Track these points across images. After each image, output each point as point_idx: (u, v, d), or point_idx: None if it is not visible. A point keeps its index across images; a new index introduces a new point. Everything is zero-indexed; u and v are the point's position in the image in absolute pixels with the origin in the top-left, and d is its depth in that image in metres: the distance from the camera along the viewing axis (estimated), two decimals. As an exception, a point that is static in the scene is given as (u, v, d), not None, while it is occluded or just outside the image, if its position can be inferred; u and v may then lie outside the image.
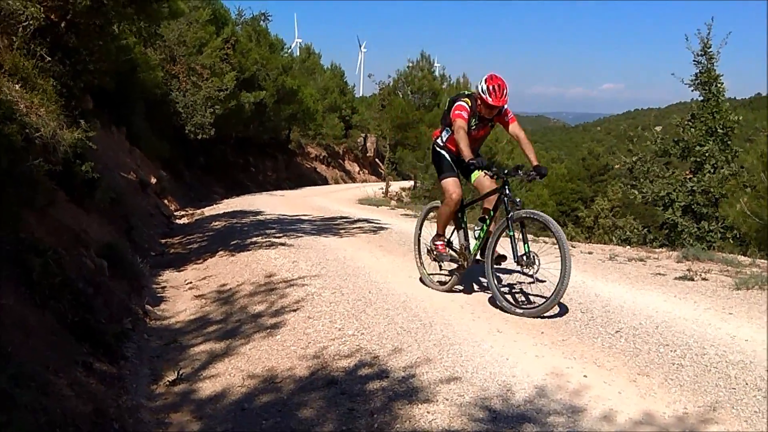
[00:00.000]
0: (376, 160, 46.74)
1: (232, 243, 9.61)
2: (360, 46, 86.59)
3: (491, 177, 5.90)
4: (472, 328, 4.99)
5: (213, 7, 24.16)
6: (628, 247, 10.31)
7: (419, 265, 6.72)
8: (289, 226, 11.52)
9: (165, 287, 7.44)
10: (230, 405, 3.99)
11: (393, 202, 21.71)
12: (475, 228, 6.12)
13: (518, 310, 5.32)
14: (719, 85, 13.29)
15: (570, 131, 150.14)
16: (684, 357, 4.27)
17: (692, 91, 13.72)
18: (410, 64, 29.94)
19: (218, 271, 7.86)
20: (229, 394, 4.16)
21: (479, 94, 5.70)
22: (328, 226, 11.58)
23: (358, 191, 23.96)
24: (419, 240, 6.84)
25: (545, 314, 5.21)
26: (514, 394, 3.73)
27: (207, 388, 4.32)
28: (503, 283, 5.87)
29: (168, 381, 4.45)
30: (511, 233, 5.50)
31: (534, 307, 5.31)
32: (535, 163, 5.82)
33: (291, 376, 4.30)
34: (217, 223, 13.18)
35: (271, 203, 17.93)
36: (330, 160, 42.65)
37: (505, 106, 5.86)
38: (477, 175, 6.03)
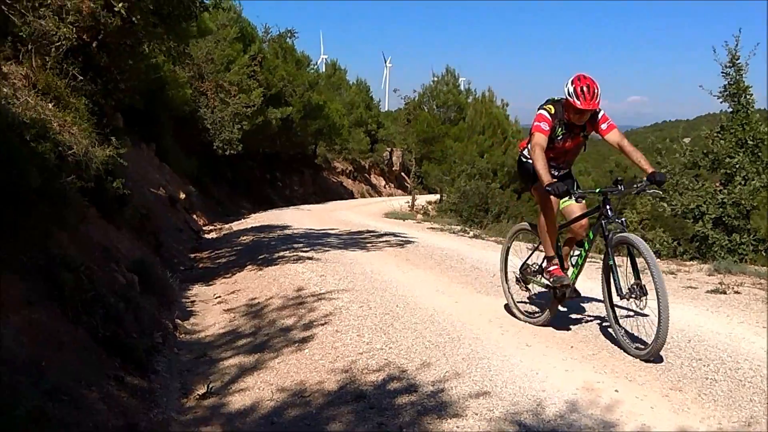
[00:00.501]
0: (402, 174, 46.80)
1: (260, 257, 9.68)
2: (385, 62, 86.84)
3: (577, 200, 5.13)
4: (501, 342, 4.96)
5: (240, 25, 24.51)
6: (658, 260, 10.15)
7: (507, 292, 5.92)
8: (316, 240, 11.58)
9: (194, 301, 7.51)
10: (260, 419, 4.00)
11: (419, 216, 21.72)
12: (572, 254, 5.43)
13: (633, 351, 4.57)
14: (748, 96, 13.10)
15: (597, 144, 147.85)
16: (717, 372, 4.20)
17: (721, 102, 13.55)
18: (435, 79, 30.08)
19: (246, 285, 7.92)
20: (259, 407, 4.17)
21: (566, 98, 4.86)
22: (355, 240, 11.61)
23: (385, 205, 24.03)
24: (506, 265, 6.03)
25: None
26: (544, 408, 3.69)
27: (236, 401, 4.34)
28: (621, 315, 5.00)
29: (198, 395, 4.48)
30: (611, 261, 4.83)
31: (644, 350, 4.48)
32: (649, 170, 4.90)
33: (320, 389, 4.30)
34: (244, 237, 13.28)
35: (298, 217, 18.05)
36: (356, 175, 42.83)
37: (600, 111, 5.05)
38: (567, 203, 5.30)
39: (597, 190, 5.01)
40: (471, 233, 13.95)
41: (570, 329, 5.29)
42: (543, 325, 5.38)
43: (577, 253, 5.35)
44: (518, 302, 5.86)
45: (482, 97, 29.38)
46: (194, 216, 16.78)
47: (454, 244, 11.10)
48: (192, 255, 11.41)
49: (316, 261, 8.84)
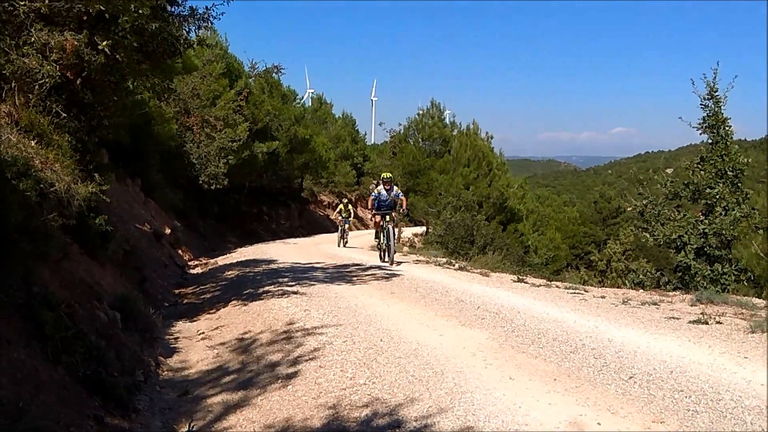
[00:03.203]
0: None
1: (245, 292, 9.64)
2: (371, 95, 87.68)
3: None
4: (484, 376, 4.96)
5: (226, 61, 24.73)
6: (642, 290, 10.23)
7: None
8: (301, 274, 11.55)
9: (178, 338, 7.45)
10: (241, 457, 3.96)
11: (405, 249, 21.72)
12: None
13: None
14: (727, 128, 13.34)
15: (581, 175, 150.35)
16: (699, 403, 4.22)
17: (700, 134, 13.79)
18: (420, 112, 30.35)
19: (231, 321, 7.87)
20: (241, 446, 4.14)
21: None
22: (341, 274, 11.60)
23: (371, 238, 23.98)
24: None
25: None
26: (526, 443, 3.69)
27: (219, 440, 4.30)
28: None
29: (180, 434, 4.44)
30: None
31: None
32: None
33: (304, 426, 4.28)
34: (230, 272, 13.23)
35: (284, 251, 18.00)
36: (342, 208, 42.86)
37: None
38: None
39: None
40: (456, 265, 13.95)
41: (553, 362, 5.30)
42: None
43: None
44: None
45: (467, 129, 29.65)
46: (180, 251, 16.72)
47: (439, 277, 11.10)
48: (177, 290, 11.34)
49: (301, 295, 8.81)
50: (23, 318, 4.26)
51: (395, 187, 14.03)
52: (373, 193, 14.15)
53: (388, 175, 14.40)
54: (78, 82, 6.68)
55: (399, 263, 13.45)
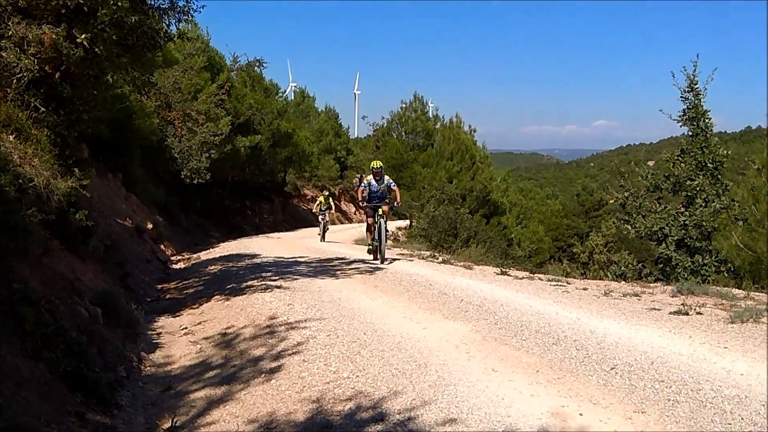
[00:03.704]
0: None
1: (228, 287, 9.60)
2: (354, 89, 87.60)
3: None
4: (468, 368, 4.97)
5: (208, 55, 24.55)
6: (624, 282, 10.31)
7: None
8: (285, 268, 11.52)
9: (160, 333, 7.42)
10: (225, 452, 3.95)
11: (389, 242, 21.71)
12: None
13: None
14: (707, 120, 13.45)
15: (564, 168, 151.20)
16: (679, 393, 4.26)
17: (681, 126, 13.90)
18: (403, 105, 30.35)
19: (213, 316, 7.84)
20: (225, 441, 4.13)
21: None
22: (325, 268, 11.58)
23: (355, 231, 24.01)
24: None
25: None
26: (509, 434, 3.71)
27: (202, 435, 4.29)
28: None
29: (163, 429, 4.42)
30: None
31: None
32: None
33: (287, 421, 4.27)
34: (213, 267, 13.17)
35: (268, 246, 17.95)
36: (326, 202, 42.78)
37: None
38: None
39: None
40: (440, 258, 13.98)
41: (536, 354, 5.33)
42: None
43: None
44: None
45: (450, 123, 29.74)
46: (162, 246, 16.61)
47: (422, 270, 11.12)
48: (159, 286, 11.28)
49: (284, 290, 8.80)
50: (3, 314, 4.22)
51: (386, 177, 12.88)
52: (362, 184, 12.90)
53: (378, 164, 13.06)
54: (57, 76, 6.59)
55: (391, 260, 12.72)
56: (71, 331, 4.95)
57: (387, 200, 12.78)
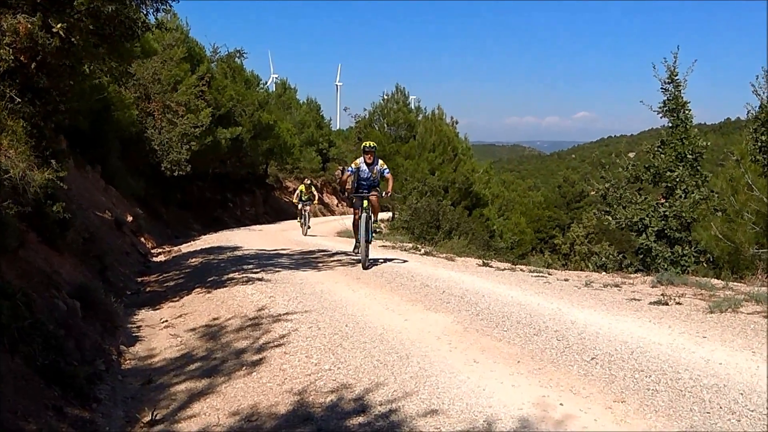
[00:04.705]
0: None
1: (209, 280, 9.54)
2: (336, 80, 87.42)
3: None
4: (449, 359, 4.98)
5: (188, 45, 24.31)
6: (604, 273, 10.38)
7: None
8: (266, 261, 11.47)
9: (140, 326, 7.35)
10: (206, 445, 3.92)
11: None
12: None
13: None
14: (687, 111, 13.55)
15: (545, 159, 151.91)
16: (659, 382, 4.30)
17: (661, 117, 14.00)
18: (385, 97, 30.29)
19: (194, 309, 7.79)
20: (206, 434, 4.10)
21: None
22: (307, 260, 11.55)
23: (337, 224, 23.98)
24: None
25: None
26: (490, 425, 3.71)
27: (184, 429, 4.25)
28: None
29: (143, 423, 4.38)
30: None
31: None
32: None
33: (269, 413, 4.25)
34: (194, 259, 13.09)
35: (249, 238, 17.87)
36: (308, 194, 42.64)
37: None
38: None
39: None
40: (422, 250, 14.00)
41: (517, 344, 5.34)
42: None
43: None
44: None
45: (432, 115, 29.74)
46: (142, 239, 16.47)
47: (404, 262, 11.13)
48: (139, 279, 11.19)
49: (266, 282, 8.76)
50: (-22, 308, 4.15)
51: (380, 161, 10.72)
52: (349, 168, 10.67)
53: (372, 143, 10.76)
54: (32, 66, 6.46)
55: (375, 261, 10.95)
56: (48, 324, 4.88)
57: (378, 189, 10.66)
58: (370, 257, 10.54)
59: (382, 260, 11.15)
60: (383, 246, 15.27)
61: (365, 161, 10.41)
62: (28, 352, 4.22)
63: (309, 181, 22.12)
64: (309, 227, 20.38)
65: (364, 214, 10.32)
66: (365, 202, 10.37)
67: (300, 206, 20.84)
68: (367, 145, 10.57)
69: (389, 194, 10.89)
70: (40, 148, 6.28)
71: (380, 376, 4.66)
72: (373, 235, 10.64)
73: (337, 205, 45.31)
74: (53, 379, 4.24)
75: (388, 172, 10.64)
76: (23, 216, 5.57)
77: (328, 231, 22.10)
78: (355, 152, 28.14)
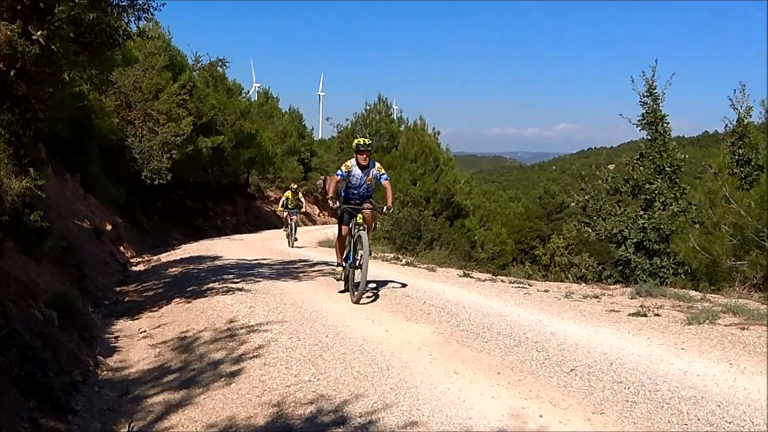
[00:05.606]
0: (337, 202, 46.69)
1: (189, 290, 9.47)
2: (318, 90, 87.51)
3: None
4: (429, 371, 4.98)
5: (170, 54, 24.22)
6: (584, 284, 10.44)
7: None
8: (247, 270, 11.42)
9: (118, 337, 7.28)
10: (183, 458, 3.88)
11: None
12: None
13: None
14: (665, 124, 13.69)
15: (526, 170, 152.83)
16: (637, 394, 4.33)
17: (640, 130, 14.12)
18: (368, 107, 30.36)
19: (173, 319, 7.72)
20: (183, 446, 4.06)
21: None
22: (287, 270, 11.51)
23: (319, 234, 23.89)
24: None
25: None
26: (470, 436, 3.72)
27: (160, 440, 4.21)
28: None
29: (119, 435, 4.33)
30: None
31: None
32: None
33: (247, 425, 4.22)
34: (173, 269, 12.99)
35: (230, 248, 17.77)
36: (290, 203, 42.51)
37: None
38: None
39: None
40: (404, 261, 13.99)
41: (497, 356, 5.35)
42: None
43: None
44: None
45: (414, 125, 29.87)
46: (121, 248, 16.33)
47: (386, 272, 11.11)
48: (118, 288, 11.08)
49: (246, 292, 8.71)
50: (-48, 318, 4.09)
51: (377, 164, 8.53)
52: (339, 172, 8.37)
53: (366, 141, 8.48)
54: (11, 73, 6.41)
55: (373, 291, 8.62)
56: (24, 334, 4.83)
57: (372, 201, 8.55)
58: (366, 288, 7.99)
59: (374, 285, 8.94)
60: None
61: (358, 163, 8.27)
62: (4, 363, 4.16)
63: (295, 186, 20.52)
64: (296, 239, 18.89)
65: (360, 232, 8.03)
66: (358, 217, 8.18)
67: (286, 215, 19.49)
68: (361, 143, 8.37)
69: (390, 210, 8.56)
70: (18, 156, 6.24)
71: (360, 387, 4.65)
72: (368, 254, 7.96)
73: (319, 215, 45.22)
74: (29, 390, 4.18)
75: (386, 179, 8.45)
76: (0, 224, 5.50)
77: (310, 240, 22.02)
78: (337, 162, 28.20)
